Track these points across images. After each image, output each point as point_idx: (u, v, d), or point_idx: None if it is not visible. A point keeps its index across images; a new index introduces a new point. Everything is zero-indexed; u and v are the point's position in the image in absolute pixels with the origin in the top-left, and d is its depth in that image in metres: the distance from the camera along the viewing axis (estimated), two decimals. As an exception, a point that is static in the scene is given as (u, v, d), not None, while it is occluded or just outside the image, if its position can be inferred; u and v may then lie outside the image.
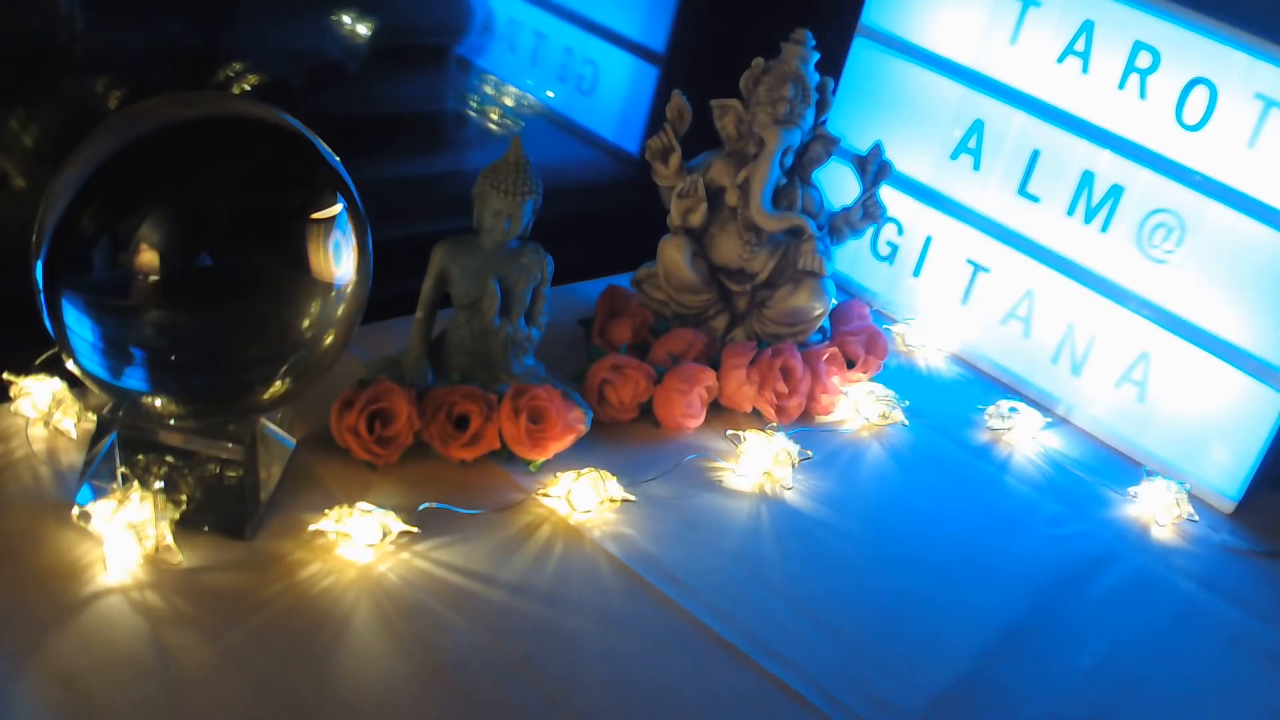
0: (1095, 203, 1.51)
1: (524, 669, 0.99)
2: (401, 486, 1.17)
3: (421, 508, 1.13)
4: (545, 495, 1.19)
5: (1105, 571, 1.28)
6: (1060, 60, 1.52)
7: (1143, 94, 1.46)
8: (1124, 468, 1.48)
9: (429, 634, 1.01)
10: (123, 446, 1.04)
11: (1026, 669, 1.12)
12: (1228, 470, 1.43)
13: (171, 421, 1.04)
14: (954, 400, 1.56)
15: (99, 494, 1.02)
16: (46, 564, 0.99)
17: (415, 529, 1.10)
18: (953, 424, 1.50)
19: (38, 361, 1.16)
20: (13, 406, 1.14)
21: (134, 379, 0.98)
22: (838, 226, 1.47)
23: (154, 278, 0.93)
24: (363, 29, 1.58)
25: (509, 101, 1.83)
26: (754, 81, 1.40)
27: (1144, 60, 1.45)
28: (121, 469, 1.04)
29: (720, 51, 1.61)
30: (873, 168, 1.46)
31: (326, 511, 1.07)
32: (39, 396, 1.13)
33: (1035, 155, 1.56)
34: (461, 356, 1.27)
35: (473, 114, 1.82)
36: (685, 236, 1.44)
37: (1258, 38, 1.36)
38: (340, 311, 1.02)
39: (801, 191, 1.44)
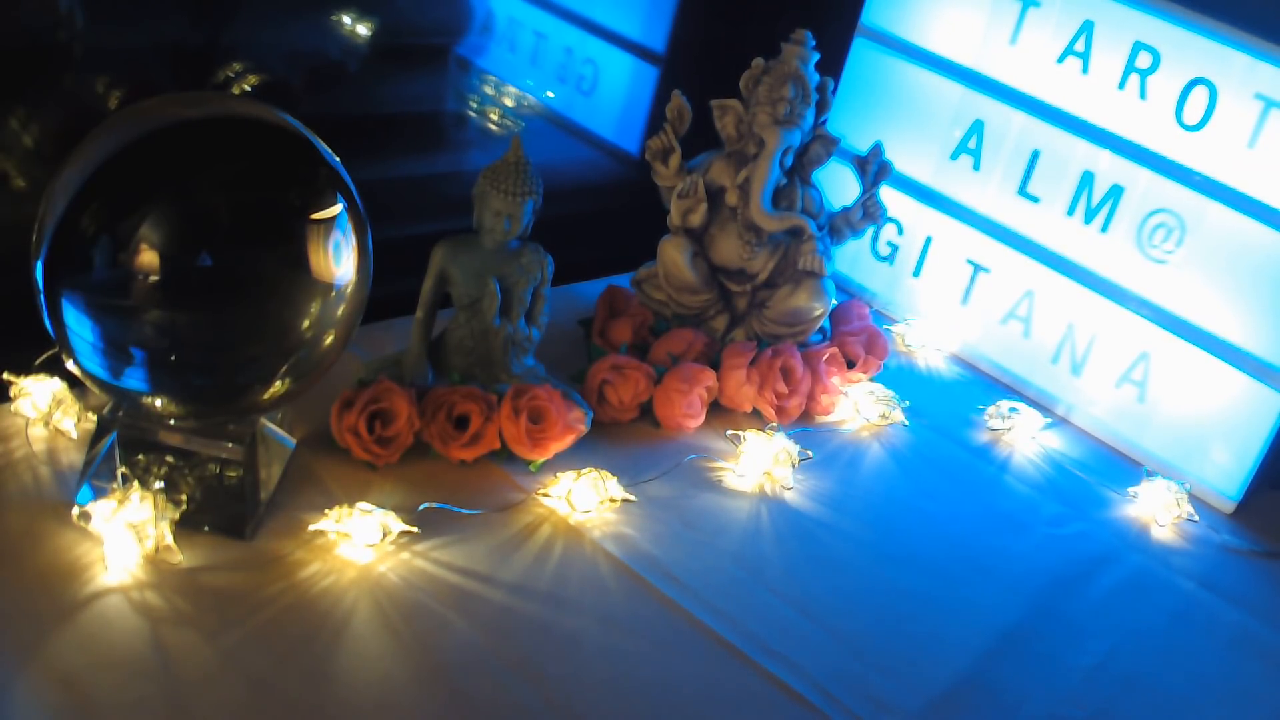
0: (1095, 203, 1.51)
1: (524, 669, 0.99)
2: (401, 486, 1.17)
3: (421, 508, 1.13)
4: (545, 495, 1.19)
5: (1105, 571, 1.28)
6: (1060, 60, 1.52)
7: (1143, 94, 1.46)
8: (1124, 468, 1.48)
9: (429, 634, 1.01)
10: (123, 446, 1.04)
11: (1026, 669, 1.12)
12: (1228, 470, 1.43)
13: (171, 421, 1.04)
14: (954, 400, 1.56)
15: (99, 494, 1.02)
16: (46, 564, 0.99)
17: (415, 529, 1.10)
18: (953, 424, 1.50)
19: (38, 361, 1.16)
20: (13, 406, 1.14)
21: (134, 379, 0.98)
22: (838, 227, 1.47)
23: (154, 278, 0.93)
24: (363, 29, 1.58)
25: (509, 101, 1.83)
26: (754, 81, 1.40)
27: (1144, 60, 1.45)
28: (121, 469, 1.04)
29: (720, 51, 1.61)
30: (873, 168, 1.46)
31: (326, 511, 1.07)
32: (39, 396, 1.13)
33: (1035, 155, 1.56)
34: (461, 356, 1.27)
35: (473, 114, 1.82)
36: (685, 236, 1.44)
37: (1258, 38, 1.36)
38: (340, 311, 1.02)
39: (801, 192, 1.44)
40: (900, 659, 1.10)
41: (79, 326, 0.95)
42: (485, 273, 1.22)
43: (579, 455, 1.25)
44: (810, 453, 1.33)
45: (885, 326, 1.63)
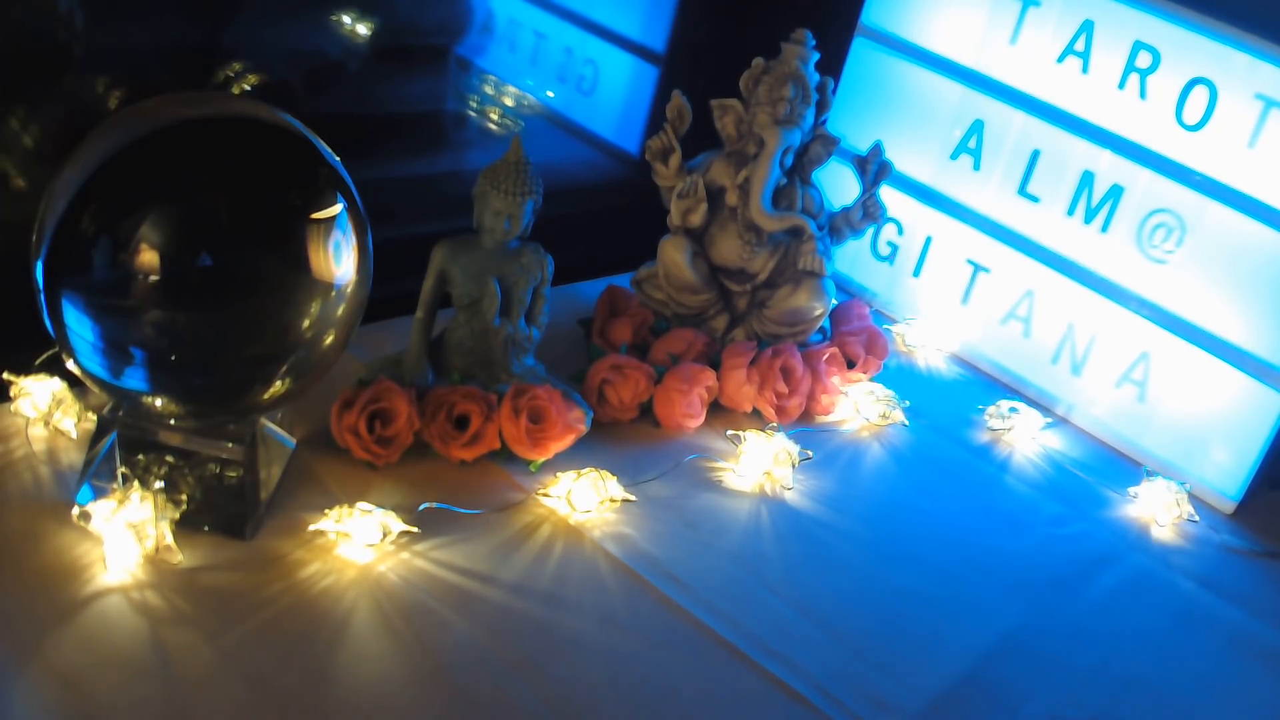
0: (1095, 203, 1.51)
1: (524, 669, 0.99)
2: (401, 486, 1.17)
3: (421, 508, 1.13)
4: (545, 495, 1.19)
5: (1105, 572, 1.28)
6: (1060, 60, 1.52)
7: (1143, 94, 1.46)
8: (1124, 468, 1.48)
9: (429, 634, 1.01)
10: (123, 446, 1.04)
11: (1026, 669, 1.12)
12: (1228, 470, 1.43)
13: (171, 421, 1.04)
14: (954, 400, 1.56)
15: (99, 494, 1.02)
16: (46, 564, 0.99)
17: (415, 529, 1.10)
18: (953, 424, 1.50)
19: (38, 361, 1.16)
20: (13, 406, 1.14)
21: (134, 379, 0.98)
22: (838, 226, 1.47)
23: (154, 278, 0.93)
24: (363, 29, 1.58)
25: (509, 101, 1.83)
26: (754, 81, 1.40)
27: (1144, 60, 1.45)
28: (121, 469, 1.04)
29: (720, 51, 1.61)
30: (873, 168, 1.46)
31: (326, 511, 1.07)
32: (39, 396, 1.13)
33: (1035, 155, 1.56)
34: (461, 356, 1.27)
35: (473, 114, 1.82)
36: (685, 236, 1.44)
37: (1258, 38, 1.36)
38: (340, 311, 1.02)
39: (801, 191, 1.44)
40: (900, 659, 1.10)
41: (79, 326, 0.95)
42: (485, 273, 1.22)
43: (579, 455, 1.24)
44: (810, 453, 1.33)
45: (885, 326, 1.63)
